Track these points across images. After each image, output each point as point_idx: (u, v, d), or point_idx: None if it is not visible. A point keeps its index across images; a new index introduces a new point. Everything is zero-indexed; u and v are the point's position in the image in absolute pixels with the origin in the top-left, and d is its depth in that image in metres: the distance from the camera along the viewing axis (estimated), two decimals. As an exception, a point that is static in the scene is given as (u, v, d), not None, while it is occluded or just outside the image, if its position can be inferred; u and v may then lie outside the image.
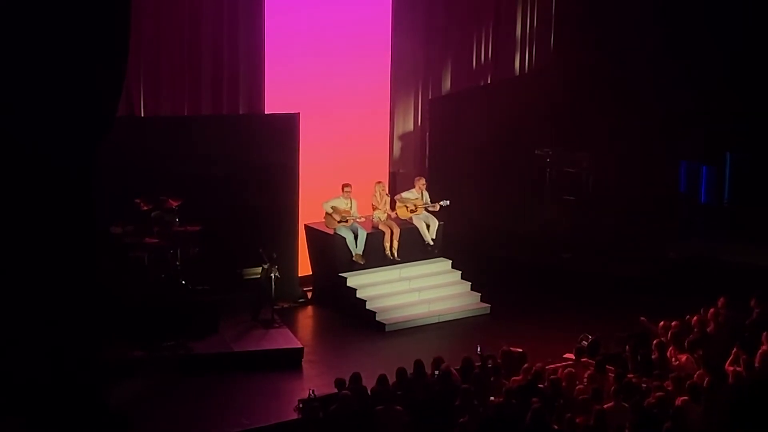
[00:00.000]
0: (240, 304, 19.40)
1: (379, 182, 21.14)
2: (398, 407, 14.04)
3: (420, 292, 20.71)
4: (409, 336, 19.63)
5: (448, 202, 21.04)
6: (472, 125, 23.46)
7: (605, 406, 13.88)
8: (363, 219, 20.73)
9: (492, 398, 14.14)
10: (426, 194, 21.15)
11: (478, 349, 16.15)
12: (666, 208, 24.71)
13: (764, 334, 16.02)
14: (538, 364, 15.37)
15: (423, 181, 21.18)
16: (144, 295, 18.36)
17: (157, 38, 20.11)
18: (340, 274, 20.48)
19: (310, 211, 20.97)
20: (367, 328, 19.82)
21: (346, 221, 20.49)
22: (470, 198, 22.88)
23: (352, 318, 20.12)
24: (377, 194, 20.87)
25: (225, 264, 19.71)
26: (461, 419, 13.48)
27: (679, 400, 13.91)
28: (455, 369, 15.37)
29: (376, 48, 22.07)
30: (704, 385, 14.34)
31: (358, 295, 20.24)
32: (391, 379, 15.01)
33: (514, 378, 15.06)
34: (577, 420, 13.50)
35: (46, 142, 14.22)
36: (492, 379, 15.03)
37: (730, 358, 15.57)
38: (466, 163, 23.19)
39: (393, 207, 21.17)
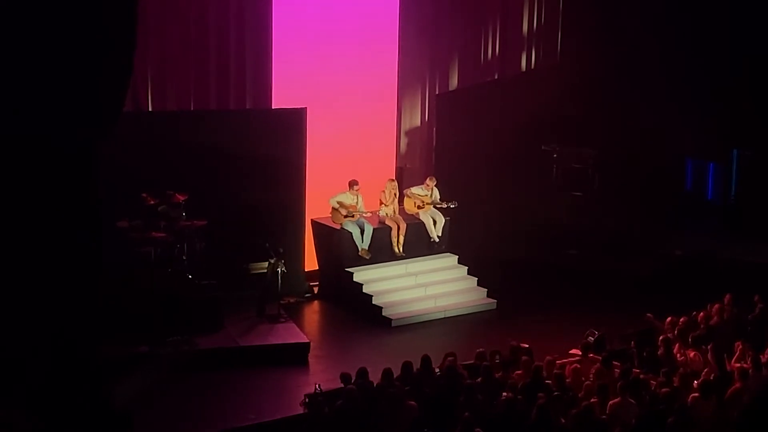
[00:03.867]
0: (246, 299, 19.42)
1: (392, 180, 21.15)
2: (412, 402, 14.01)
3: (426, 287, 20.72)
4: (416, 331, 19.64)
5: (456, 203, 21.01)
6: (479, 121, 23.45)
7: (611, 401, 13.89)
8: (369, 214, 20.74)
9: (504, 394, 14.12)
10: (436, 191, 21.15)
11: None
12: (672, 205, 24.68)
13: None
14: (547, 359, 15.38)
15: (434, 180, 21.17)
16: (150, 290, 18.36)
17: (164, 33, 20.11)
18: (346, 269, 20.49)
19: (316, 205, 20.97)
20: (374, 323, 19.83)
21: (353, 216, 20.49)
22: (477, 193, 22.87)
23: (358, 313, 20.12)
24: (387, 191, 20.85)
25: (231, 259, 19.73)
26: (464, 414, 13.48)
27: (688, 397, 13.90)
28: (466, 363, 15.38)
29: (384, 43, 22.07)
30: (711, 380, 14.35)
31: (364, 290, 20.24)
32: (398, 372, 15.01)
33: (516, 373, 15.06)
34: (572, 412, 13.53)
35: (53, 135, 14.21)
36: (501, 374, 15.02)
37: (736, 354, 15.58)
38: (472, 159, 23.19)
39: (401, 200, 21.18)
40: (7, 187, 14.32)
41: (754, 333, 16.63)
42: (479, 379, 14.59)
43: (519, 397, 14.00)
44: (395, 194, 20.95)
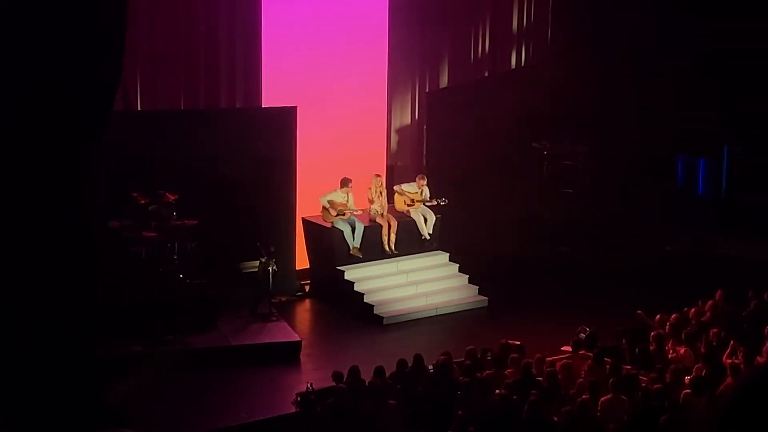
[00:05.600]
0: (238, 298, 19.40)
1: (378, 175, 21.13)
2: (392, 401, 14.02)
3: (417, 285, 20.73)
4: (407, 329, 19.65)
5: (446, 201, 21.04)
6: (470, 118, 23.42)
7: (603, 398, 13.90)
8: (360, 212, 20.74)
9: (497, 391, 14.13)
10: (426, 190, 21.15)
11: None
12: (663, 201, 24.71)
13: (767, 328, 16.08)
14: (537, 356, 15.39)
15: (425, 179, 21.17)
16: (142, 290, 18.35)
17: (154, 31, 20.09)
18: (337, 268, 20.49)
19: (307, 204, 20.97)
20: (365, 321, 19.82)
21: (344, 214, 20.49)
22: (467, 191, 22.86)
23: (349, 311, 20.12)
24: (373, 187, 20.87)
25: (223, 258, 19.71)
26: (458, 412, 13.49)
27: (680, 394, 13.92)
28: (457, 361, 15.39)
29: (374, 41, 22.07)
30: (702, 377, 14.36)
31: (355, 289, 20.24)
32: (389, 371, 15.03)
33: (508, 371, 15.06)
34: (564, 409, 13.54)
35: (44, 134, 14.21)
36: (493, 371, 15.02)
37: (728, 350, 15.60)
38: (463, 157, 23.17)
39: (391, 198, 21.20)
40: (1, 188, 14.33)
41: (749, 330, 16.62)
42: (461, 378, 14.59)
43: (513, 396, 13.98)
44: (381, 191, 20.95)
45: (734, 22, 23.34)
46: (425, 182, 21.17)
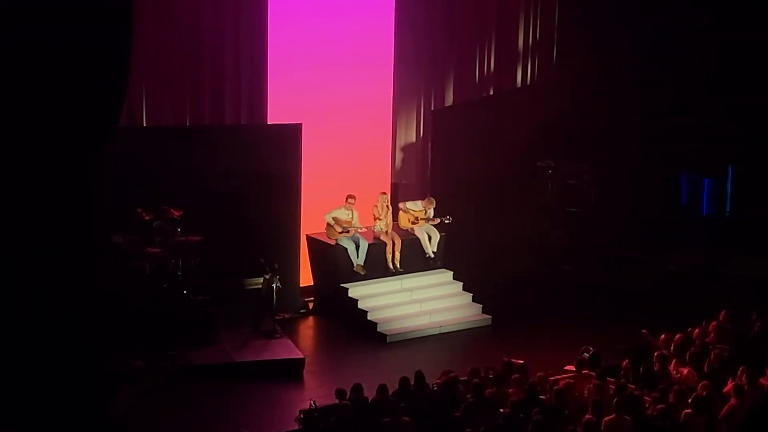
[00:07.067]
0: (241, 314, 19.42)
1: (384, 193, 21.14)
2: (406, 418, 14.00)
3: (421, 303, 20.71)
4: (411, 347, 19.63)
5: (450, 219, 21.03)
6: (475, 137, 23.44)
7: (606, 418, 13.87)
8: (364, 229, 20.74)
9: (501, 410, 14.09)
10: (431, 211, 21.14)
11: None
12: (667, 221, 24.69)
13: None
14: (539, 375, 15.36)
15: (433, 203, 21.13)
16: (145, 305, 18.34)
17: (159, 48, 20.12)
18: (341, 285, 20.47)
19: (311, 221, 20.96)
20: (369, 338, 19.81)
21: (348, 232, 20.48)
22: (472, 209, 22.85)
23: (353, 329, 20.11)
24: (379, 205, 20.87)
25: (226, 274, 19.71)
26: (467, 430, 13.46)
27: (682, 414, 13.88)
28: (461, 379, 15.36)
29: (379, 59, 22.08)
30: (704, 396, 14.32)
31: (359, 306, 20.23)
32: (392, 388, 15.00)
33: (510, 390, 15.02)
34: (568, 429, 13.51)
35: (46, 148, 14.24)
36: (494, 389, 14.98)
37: (732, 372, 15.55)
38: (468, 175, 23.16)
39: (396, 216, 21.18)
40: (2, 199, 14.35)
41: (754, 351, 16.58)
42: (469, 396, 14.56)
43: (519, 414, 13.94)
44: (388, 207, 20.96)
45: (739, 36, 23.39)
46: (433, 206, 21.13)
